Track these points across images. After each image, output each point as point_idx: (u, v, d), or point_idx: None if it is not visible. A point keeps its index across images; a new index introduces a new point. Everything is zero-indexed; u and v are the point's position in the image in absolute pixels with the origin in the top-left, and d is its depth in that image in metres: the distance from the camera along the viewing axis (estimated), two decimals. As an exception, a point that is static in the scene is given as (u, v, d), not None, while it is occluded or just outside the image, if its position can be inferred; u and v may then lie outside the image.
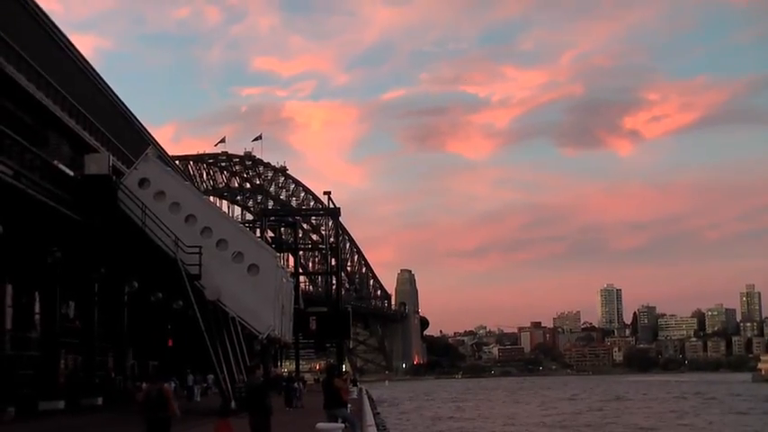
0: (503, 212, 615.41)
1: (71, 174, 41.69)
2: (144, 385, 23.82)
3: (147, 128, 67.61)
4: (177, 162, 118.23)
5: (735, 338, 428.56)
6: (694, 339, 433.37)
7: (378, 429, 32.11)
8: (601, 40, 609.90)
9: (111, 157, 45.21)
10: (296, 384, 50.66)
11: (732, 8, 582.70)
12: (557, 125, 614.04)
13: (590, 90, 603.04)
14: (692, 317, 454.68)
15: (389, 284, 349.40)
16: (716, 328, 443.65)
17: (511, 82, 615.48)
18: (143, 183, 43.06)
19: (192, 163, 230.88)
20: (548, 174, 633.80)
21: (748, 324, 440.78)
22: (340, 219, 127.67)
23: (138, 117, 63.42)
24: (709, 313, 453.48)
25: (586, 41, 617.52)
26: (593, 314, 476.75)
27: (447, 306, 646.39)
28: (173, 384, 59.82)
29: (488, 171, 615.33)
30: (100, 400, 45.07)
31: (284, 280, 59.93)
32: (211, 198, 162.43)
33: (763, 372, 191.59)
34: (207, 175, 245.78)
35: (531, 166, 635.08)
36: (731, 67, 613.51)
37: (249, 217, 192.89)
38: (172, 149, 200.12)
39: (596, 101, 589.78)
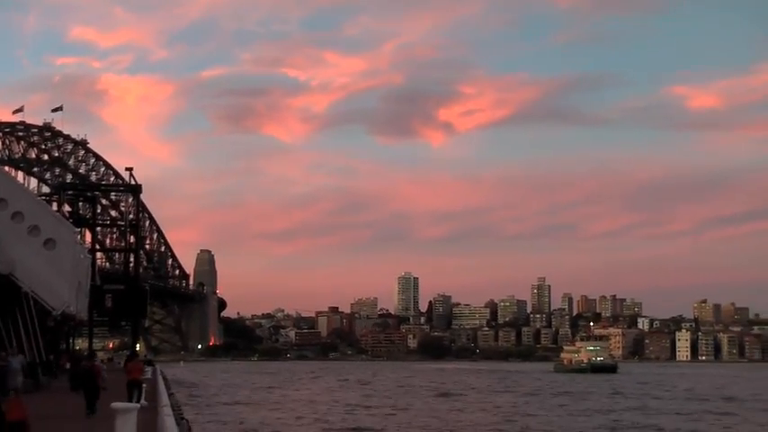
0: (314, 197, 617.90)
1: None
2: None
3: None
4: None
5: (524, 329, 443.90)
6: (486, 329, 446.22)
7: (173, 410, 31.92)
8: (424, 32, 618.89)
9: None
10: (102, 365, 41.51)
11: (553, 9, 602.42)
12: (373, 113, 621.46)
13: (409, 80, 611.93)
14: (485, 307, 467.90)
15: (192, 264, 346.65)
16: (507, 319, 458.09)
17: (332, 68, 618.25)
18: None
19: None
20: (361, 160, 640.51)
21: (538, 315, 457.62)
22: (141, 196, 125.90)
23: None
24: (502, 304, 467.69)
25: (410, 32, 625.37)
26: (391, 301, 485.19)
27: (248, 288, 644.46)
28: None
29: (302, 155, 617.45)
30: None
31: (81, 256, 58.72)
32: (6, 168, 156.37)
33: (565, 362, 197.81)
34: (2, 145, 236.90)
35: (345, 152, 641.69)
36: (547, 66, 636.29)
37: (46, 190, 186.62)
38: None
39: (414, 91, 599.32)
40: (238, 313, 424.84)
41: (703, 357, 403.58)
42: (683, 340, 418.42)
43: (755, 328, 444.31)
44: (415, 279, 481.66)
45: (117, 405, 20.11)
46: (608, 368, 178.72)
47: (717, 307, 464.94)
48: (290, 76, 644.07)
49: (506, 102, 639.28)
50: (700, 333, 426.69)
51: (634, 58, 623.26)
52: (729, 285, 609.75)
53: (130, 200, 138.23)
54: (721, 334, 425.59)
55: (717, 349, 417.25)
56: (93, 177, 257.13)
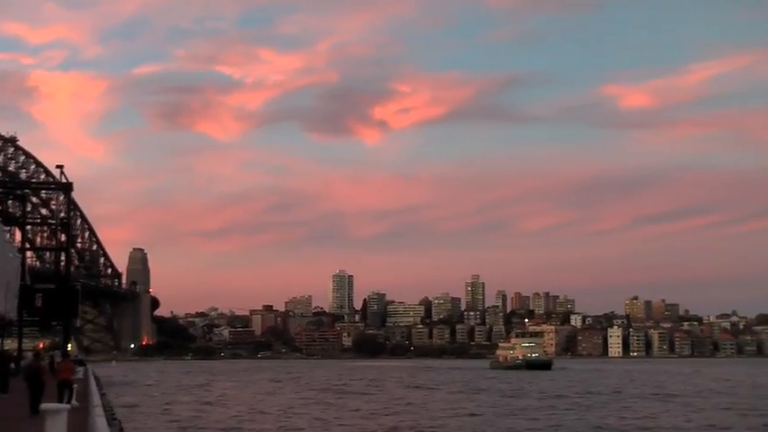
0: (248, 195, 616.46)
1: None
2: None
3: None
4: None
5: (459, 326, 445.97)
6: (421, 326, 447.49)
7: (104, 410, 31.56)
8: (359, 30, 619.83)
9: None
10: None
11: (487, 8, 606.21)
12: (308, 111, 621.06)
13: (344, 78, 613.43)
14: (419, 304, 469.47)
15: (124, 263, 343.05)
16: (441, 316, 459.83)
17: (266, 65, 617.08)
18: None
19: None
20: (296, 158, 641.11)
21: (472, 313, 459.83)
22: (73, 194, 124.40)
23: None
24: (436, 301, 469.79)
25: (345, 30, 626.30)
26: (325, 299, 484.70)
27: (181, 287, 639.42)
28: None
29: (237, 153, 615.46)
30: None
31: (11, 255, 57.73)
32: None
33: (501, 359, 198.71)
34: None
35: (280, 150, 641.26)
36: (481, 64, 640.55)
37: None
38: None
39: (349, 89, 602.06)
40: (172, 312, 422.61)
41: (635, 353, 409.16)
42: (614, 336, 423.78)
43: (685, 324, 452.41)
44: (350, 277, 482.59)
45: (47, 406, 19.74)
46: (542, 365, 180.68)
47: (648, 304, 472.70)
48: (224, 73, 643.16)
49: (441, 100, 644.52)
50: (631, 329, 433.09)
51: (567, 57, 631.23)
52: (660, 282, 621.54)
53: (61, 198, 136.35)
54: (652, 330, 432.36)
55: (648, 345, 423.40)
56: (23, 175, 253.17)
